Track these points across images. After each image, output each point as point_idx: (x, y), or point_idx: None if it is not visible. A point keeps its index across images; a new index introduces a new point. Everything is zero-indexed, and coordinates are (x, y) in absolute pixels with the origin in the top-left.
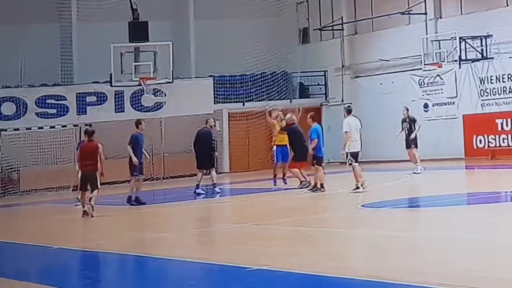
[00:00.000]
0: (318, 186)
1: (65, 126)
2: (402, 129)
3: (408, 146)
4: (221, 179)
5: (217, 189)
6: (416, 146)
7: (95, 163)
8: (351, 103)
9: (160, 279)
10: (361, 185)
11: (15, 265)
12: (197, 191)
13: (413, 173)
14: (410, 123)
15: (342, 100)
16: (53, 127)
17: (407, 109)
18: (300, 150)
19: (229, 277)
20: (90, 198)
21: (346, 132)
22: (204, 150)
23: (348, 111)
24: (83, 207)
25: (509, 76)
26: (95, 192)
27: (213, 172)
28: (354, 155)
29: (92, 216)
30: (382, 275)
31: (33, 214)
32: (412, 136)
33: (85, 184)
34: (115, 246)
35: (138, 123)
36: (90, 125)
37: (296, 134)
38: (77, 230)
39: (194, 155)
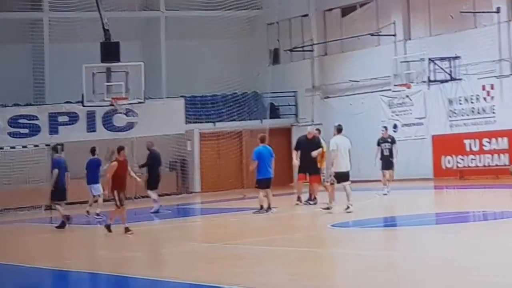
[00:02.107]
0: (263, 208)
1: (37, 145)
2: (382, 149)
3: (388, 167)
4: (192, 199)
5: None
6: (393, 167)
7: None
8: (340, 124)
9: None
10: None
11: None
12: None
13: (384, 194)
14: (391, 143)
15: (312, 121)
16: (25, 146)
17: (386, 129)
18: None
19: None
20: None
21: (332, 150)
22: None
23: (338, 130)
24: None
25: (477, 97)
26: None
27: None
28: (339, 176)
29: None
30: None
31: (3, 233)
32: (395, 156)
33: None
34: (85, 265)
35: (120, 149)
36: (61, 144)
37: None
38: (48, 248)
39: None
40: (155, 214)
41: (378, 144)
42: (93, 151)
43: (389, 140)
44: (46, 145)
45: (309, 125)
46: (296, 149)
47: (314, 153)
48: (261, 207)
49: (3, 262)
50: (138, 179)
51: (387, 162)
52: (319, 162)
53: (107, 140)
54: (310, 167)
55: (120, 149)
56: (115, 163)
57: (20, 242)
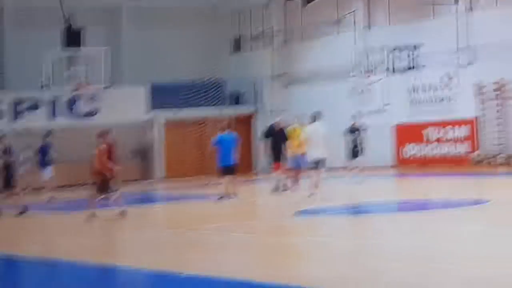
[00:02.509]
0: (227, 194)
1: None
2: (353, 138)
3: (356, 155)
4: (155, 185)
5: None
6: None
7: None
8: (317, 112)
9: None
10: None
11: None
12: None
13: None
14: (360, 132)
15: (272, 108)
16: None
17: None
18: None
19: (160, 283)
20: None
21: (305, 138)
22: None
23: (313, 118)
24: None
25: (436, 86)
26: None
27: None
28: (314, 162)
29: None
30: (313, 283)
31: None
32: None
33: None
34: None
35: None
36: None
37: None
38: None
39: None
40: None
41: (351, 132)
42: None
43: (359, 129)
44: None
45: (272, 112)
46: (267, 136)
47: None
48: (225, 194)
49: None
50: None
51: (354, 151)
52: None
53: (70, 128)
54: (280, 155)
55: (104, 133)
56: (104, 146)
57: None
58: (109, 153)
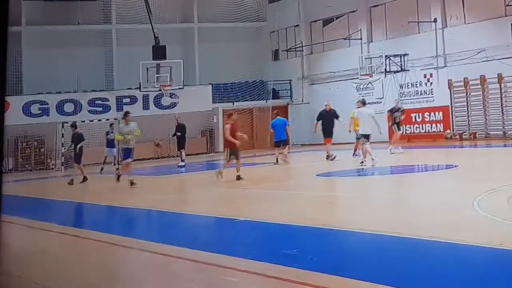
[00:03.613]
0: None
1: (108, 119)
2: (394, 117)
3: (398, 130)
4: (217, 157)
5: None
6: None
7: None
8: (364, 98)
9: (174, 228)
10: (372, 159)
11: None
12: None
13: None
14: (400, 112)
15: (302, 100)
16: (100, 120)
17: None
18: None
19: (224, 226)
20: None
21: (352, 117)
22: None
23: (363, 103)
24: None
25: (420, 83)
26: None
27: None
28: (365, 136)
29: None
30: (334, 225)
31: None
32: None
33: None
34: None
35: (230, 114)
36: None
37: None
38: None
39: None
40: (182, 167)
41: (392, 112)
42: (74, 125)
43: (398, 109)
44: (114, 119)
45: (300, 104)
46: (318, 119)
47: (347, 124)
48: (276, 160)
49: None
50: (244, 135)
51: (398, 127)
52: (353, 126)
53: (158, 115)
54: (330, 132)
55: (230, 114)
56: (228, 125)
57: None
58: (233, 130)
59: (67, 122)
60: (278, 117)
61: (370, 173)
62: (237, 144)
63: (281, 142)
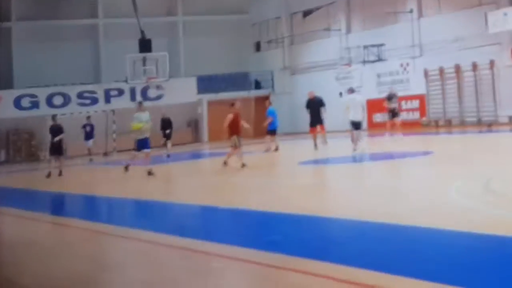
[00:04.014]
0: (271, 150)
1: (96, 111)
2: (390, 103)
3: (394, 116)
4: (201, 146)
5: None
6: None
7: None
8: (351, 87)
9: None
10: (355, 147)
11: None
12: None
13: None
14: (396, 97)
15: (284, 91)
16: (88, 112)
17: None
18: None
19: (211, 214)
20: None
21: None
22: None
23: (350, 91)
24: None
25: (397, 72)
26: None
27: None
28: (352, 123)
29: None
30: (316, 211)
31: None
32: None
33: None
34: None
35: (232, 104)
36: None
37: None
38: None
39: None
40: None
41: (388, 99)
42: (54, 117)
43: (394, 95)
44: (103, 111)
45: (282, 94)
46: (307, 107)
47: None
48: (276, 148)
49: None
50: (246, 125)
51: (395, 113)
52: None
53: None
54: (318, 120)
55: (232, 104)
56: (230, 115)
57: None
58: (235, 119)
59: (56, 115)
60: (271, 106)
61: (351, 160)
62: (239, 133)
63: (275, 130)
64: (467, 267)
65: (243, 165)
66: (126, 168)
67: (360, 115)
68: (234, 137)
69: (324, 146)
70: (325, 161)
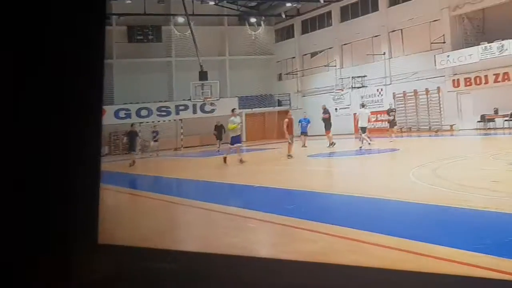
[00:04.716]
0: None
1: (170, 120)
2: (390, 115)
3: (393, 125)
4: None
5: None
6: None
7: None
8: (363, 102)
9: (215, 191)
10: (369, 143)
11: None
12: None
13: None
14: (394, 111)
15: (297, 107)
16: (164, 121)
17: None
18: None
19: (241, 191)
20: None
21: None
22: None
23: (362, 105)
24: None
25: (374, 94)
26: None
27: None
28: (361, 128)
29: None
30: (317, 188)
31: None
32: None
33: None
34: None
35: (288, 111)
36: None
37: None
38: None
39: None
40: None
41: (388, 112)
42: (132, 124)
43: (393, 110)
44: (174, 120)
45: (296, 109)
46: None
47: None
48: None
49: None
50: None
51: (394, 123)
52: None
53: (202, 117)
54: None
55: (287, 112)
56: (286, 119)
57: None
58: (289, 124)
59: (142, 122)
60: (304, 117)
61: (341, 155)
62: (291, 134)
63: (305, 133)
64: (419, 226)
65: (290, 156)
66: (225, 160)
67: (366, 123)
68: (291, 135)
69: (330, 145)
70: (326, 155)
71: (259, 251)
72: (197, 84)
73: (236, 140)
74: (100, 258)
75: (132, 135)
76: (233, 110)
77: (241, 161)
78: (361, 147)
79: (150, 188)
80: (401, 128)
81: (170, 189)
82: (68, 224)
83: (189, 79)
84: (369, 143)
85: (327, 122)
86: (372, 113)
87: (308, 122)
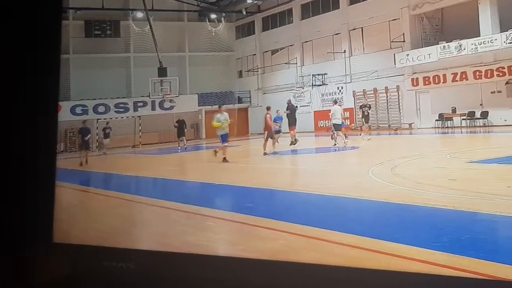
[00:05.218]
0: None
1: (128, 117)
2: (363, 111)
3: (367, 121)
4: (201, 141)
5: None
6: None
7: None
8: (336, 99)
9: (173, 189)
10: (336, 142)
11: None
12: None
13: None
14: (368, 106)
15: (258, 104)
16: (122, 117)
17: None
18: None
19: (201, 189)
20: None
21: (332, 113)
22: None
23: (335, 102)
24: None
25: (334, 92)
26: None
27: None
28: (334, 126)
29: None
30: (277, 186)
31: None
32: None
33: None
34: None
35: (268, 108)
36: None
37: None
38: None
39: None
40: (183, 149)
41: (361, 107)
42: (84, 121)
43: (366, 105)
44: (132, 117)
45: (256, 107)
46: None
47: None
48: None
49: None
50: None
51: (367, 119)
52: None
53: (161, 114)
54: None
55: (268, 108)
56: (269, 115)
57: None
58: (269, 120)
59: (100, 119)
60: (279, 114)
61: (302, 152)
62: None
63: (278, 131)
64: (377, 224)
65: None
66: (224, 159)
67: (339, 120)
68: (270, 133)
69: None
70: (288, 153)
71: (218, 249)
72: (156, 81)
73: (224, 138)
74: (56, 258)
75: (83, 132)
76: (219, 106)
77: (224, 159)
78: (335, 145)
79: (107, 186)
80: (360, 127)
81: (127, 187)
82: (22, 223)
83: (148, 75)
84: (345, 141)
85: (291, 118)
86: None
87: (282, 120)
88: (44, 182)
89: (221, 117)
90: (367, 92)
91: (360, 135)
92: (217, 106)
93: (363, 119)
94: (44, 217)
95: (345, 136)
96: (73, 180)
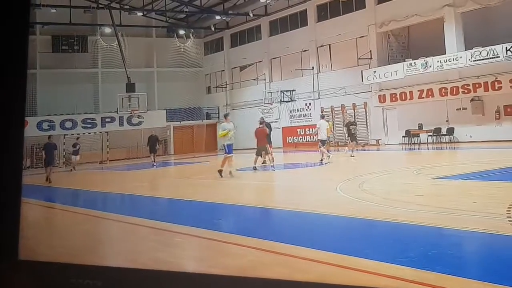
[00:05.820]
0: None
1: (95, 132)
2: (348, 129)
3: (353, 139)
4: (170, 157)
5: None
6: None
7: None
8: (323, 114)
9: (142, 206)
10: (323, 157)
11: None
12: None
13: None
14: (355, 124)
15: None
16: (90, 133)
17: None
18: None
19: (169, 205)
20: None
21: (317, 128)
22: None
23: (322, 117)
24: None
25: (302, 109)
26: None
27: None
28: (320, 141)
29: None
30: (246, 202)
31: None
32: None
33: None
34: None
35: (262, 121)
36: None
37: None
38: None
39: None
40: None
41: (346, 126)
42: (49, 137)
43: (352, 123)
44: (100, 132)
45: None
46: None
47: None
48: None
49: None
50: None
51: (354, 137)
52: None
53: (129, 130)
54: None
55: (261, 122)
56: (260, 129)
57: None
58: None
59: (67, 134)
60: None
61: (272, 168)
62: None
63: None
64: (345, 239)
65: (255, 168)
66: (230, 173)
67: (325, 135)
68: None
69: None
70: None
71: (187, 266)
72: (124, 96)
73: (229, 148)
74: (22, 275)
75: (48, 148)
76: (225, 116)
77: (230, 172)
78: (322, 160)
79: (74, 203)
80: (328, 143)
81: (95, 203)
82: None
83: (116, 91)
84: (329, 156)
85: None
86: (299, 127)
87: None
88: (10, 198)
89: (227, 125)
90: (335, 108)
91: (345, 150)
92: (222, 116)
93: (349, 137)
94: (9, 234)
95: (328, 152)
96: (39, 197)
